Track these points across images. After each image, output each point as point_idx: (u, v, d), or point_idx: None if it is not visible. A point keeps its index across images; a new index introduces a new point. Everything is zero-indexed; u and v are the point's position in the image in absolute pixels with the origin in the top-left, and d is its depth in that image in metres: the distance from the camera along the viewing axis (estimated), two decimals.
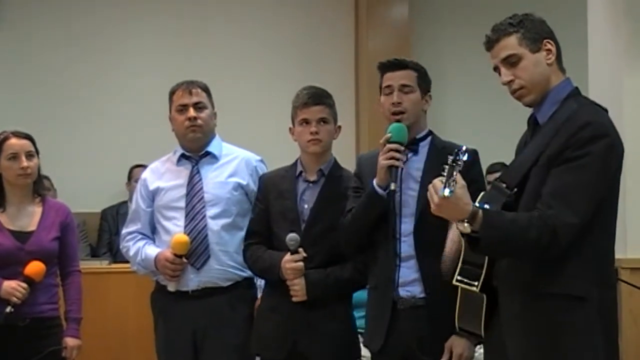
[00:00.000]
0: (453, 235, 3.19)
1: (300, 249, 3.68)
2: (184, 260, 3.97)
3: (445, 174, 2.73)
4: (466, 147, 2.79)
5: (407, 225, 3.50)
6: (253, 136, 6.11)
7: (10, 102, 7.12)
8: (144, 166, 6.58)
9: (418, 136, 3.60)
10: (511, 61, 2.97)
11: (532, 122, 3.05)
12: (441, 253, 3.26)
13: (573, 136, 2.82)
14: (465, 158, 2.74)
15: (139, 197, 4.21)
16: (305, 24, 7.77)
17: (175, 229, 4.03)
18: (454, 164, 2.72)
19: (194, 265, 3.99)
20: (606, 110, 2.98)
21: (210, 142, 4.15)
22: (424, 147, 3.60)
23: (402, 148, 3.45)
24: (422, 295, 3.44)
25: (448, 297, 3.16)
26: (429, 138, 3.63)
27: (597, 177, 2.81)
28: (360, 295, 3.83)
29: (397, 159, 3.42)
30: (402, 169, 3.46)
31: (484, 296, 3.00)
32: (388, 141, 3.45)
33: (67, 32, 7.37)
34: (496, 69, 3.03)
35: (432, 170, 3.38)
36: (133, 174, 7.03)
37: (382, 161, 3.43)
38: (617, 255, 4.47)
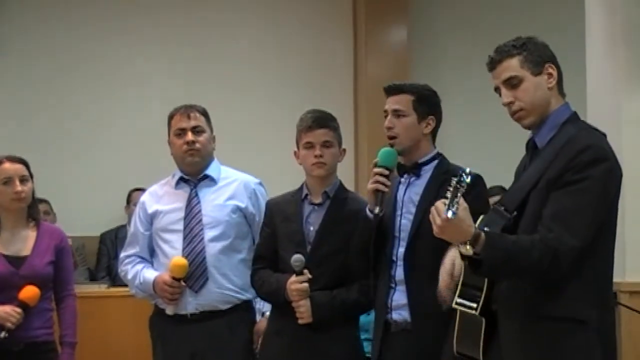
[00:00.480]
0: (449, 266, 3.18)
1: (306, 270, 3.69)
2: (183, 283, 3.97)
3: (448, 195, 2.73)
4: (470, 170, 2.78)
5: (402, 249, 3.52)
6: (252, 160, 6.12)
7: (10, 128, 7.15)
8: (143, 190, 6.62)
9: (421, 160, 3.61)
10: (512, 83, 2.99)
11: (531, 145, 3.07)
12: (430, 278, 3.24)
13: (573, 160, 2.84)
14: (468, 180, 2.74)
15: (138, 220, 4.22)
16: (304, 48, 7.80)
17: (174, 251, 4.04)
18: (458, 186, 2.72)
19: (192, 288, 3.99)
20: (604, 135, 3.00)
21: (209, 166, 4.16)
22: (427, 171, 3.61)
23: (387, 172, 3.48)
24: (410, 320, 3.47)
25: (434, 324, 3.20)
26: (435, 162, 3.63)
27: (597, 200, 2.83)
28: (366, 318, 3.84)
29: (382, 183, 3.45)
30: (384, 194, 3.47)
31: (483, 320, 2.99)
32: (375, 165, 3.49)
33: (65, 58, 7.40)
34: (497, 89, 3.05)
35: (429, 194, 3.43)
36: (132, 198, 7.04)
37: (368, 185, 3.49)
38: (616, 279, 4.48)
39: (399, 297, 3.50)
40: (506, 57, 3.00)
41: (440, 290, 3.19)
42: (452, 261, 3.13)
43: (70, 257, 4.33)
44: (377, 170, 3.47)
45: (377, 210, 3.45)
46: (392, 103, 3.59)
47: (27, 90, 7.31)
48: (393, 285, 3.52)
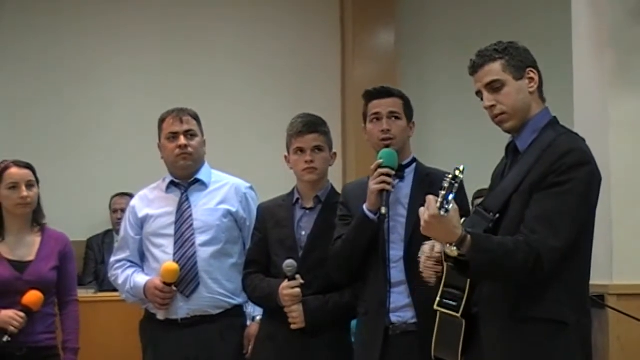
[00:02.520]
0: (427, 250, 3.17)
1: (298, 275, 3.72)
2: (174, 288, 4.00)
3: (442, 192, 2.77)
4: (464, 166, 2.84)
5: (396, 252, 3.57)
6: (243, 164, 6.15)
7: None
8: (125, 194, 6.68)
9: (404, 163, 3.69)
10: (494, 87, 3.05)
11: (512, 149, 3.13)
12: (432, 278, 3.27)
13: (556, 162, 2.90)
14: (462, 177, 2.80)
15: (128, 224, 4.24)
16: (291, 52, 7.82)
17: (164, 256, 4.06)
18: (453, 182, 2.77)
19: (184, 293, 4.02)
20: (584, 140, 3.06)
21: (200, 170, 4.19)
22: (409, 173, 3.70)
23: (393, 173, 3.54)
24: (414, 320, 3.51)
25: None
26: (414, 165, 3.73)
27: (580, 202, 2.89)
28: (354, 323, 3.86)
29: (388, 183, 3.50)
30: (389, 194, 3.53)
31: (464, 321, 3.02)
32: (380, 166, 3.54)
33: (52, 62, 7.41)
34: (478, 93, 3.11)
35: (419, 196, 3.45)
36: (112, 204, 7.07)
37: (374, 185, 3.51)
38: (603, 282, 4.57)
39: (398, 298, 3.55)
40: (488, 61, 3.06)
41: (422, 271, 3.21)
42: (430, 245, 3.14)
43: (74, 263, 4.36)
44: (383, 170, 3.52)
45: (383, 210, 3.48)
46: (387, 106, 3.67)
47: (12, 94, 7.31)
48: (389, 287, 3.56)
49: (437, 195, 2.79)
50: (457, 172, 2.80)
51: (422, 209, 2.84)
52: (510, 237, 2.89)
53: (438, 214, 2.76)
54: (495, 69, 3.05)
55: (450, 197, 2.76)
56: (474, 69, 3.09)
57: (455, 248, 2.84)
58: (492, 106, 3.06)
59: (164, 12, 7.68)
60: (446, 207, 2.75)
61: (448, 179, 2.78)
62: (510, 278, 2.93)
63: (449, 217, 2.78)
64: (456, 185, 2.78)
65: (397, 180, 3.63)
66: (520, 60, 3.06)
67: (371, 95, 3.72)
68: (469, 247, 2.83)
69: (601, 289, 4.56)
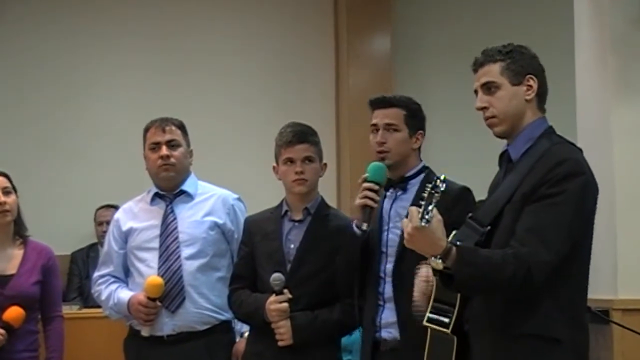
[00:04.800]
0: (419, 281, 3.20)
1: (286, 290, 3.69)
2: (158, 303, 3.97)
3: (422, 202, 2.77)
4: (445, 176, 2.84)
5: (391, 265, 3.55)
6: (230, 175, 6.11)
7: None
8: (110, 206, 6.65)
9: (407, 174, 3.65)
10: (489, 88, 3.05)
11: (506, 158, 3.12)
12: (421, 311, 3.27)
13: (548, 173, 2.88)
14: (443, 187, 2.79)
15: (112, 238, 4.22)
16: (284, 59, 7.81)
17: (149, 270, 4.04)
18: (433, 192, 2.77)
19: (169, 309, 3.99)
20: (580, 150, 3.04)
21: (185, 181, 4.17)
22: (414, 185, 3.65)
23: (377, 188, 3.51)
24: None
25: (423, 341, 3.17)
26: (422, 175, 3.67)
27: (572, 215, 2.87)
28: (349, 339, 3.84)
29: (371, 199, 3.48)
30: (372, 210, 3.50)
31: (455, 338, 3.01)
32: (365, 180, 3.51)
33: (33, 70, 7.38)
34: (476, 92, 3.10)
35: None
36: (97, 216, 7.05)
37: (357, 200, 3.51)
38: (608, 297, 4.57)
39: (388, 314, 3.53)
40: (489, 62, 3.06)
41: (415, 303, 3.21)
42: (426, 278, 3.14)
43: (59, 277, 4.34)
44: (366, 185, 3.50)
45: (364, 226, 3.47)
46: (384, 117, 3.63)
47: None
48: (381, 302, 3.54)
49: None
50: (438, 182, 2.80)
51: (404, 221, 2.84)
52: (499, 250, 2.88)
53: (417, 226, 2.75)
54: (493, 70, 3.05)
55: (431, 207, 2.76)
56: (475, 66, 3.11)
57: (440, 261, 2.83)
58: (484, 108, 3.06)
59: (151, 20, 7.67)
60: (426, 217, 2.75)
61: (428, 189, 2.78)
62: (497, 292, 2.92)
63: (432, 228, 2.78)
64: (437, 195, 2.78)
65: (399, 192, 3.62)
66: (521, 66, 3.04)
67: (372, 105, 3.71)
68: (454, 259, 2.82)
69: (605, 304, 4.56)
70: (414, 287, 3.22)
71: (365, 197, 3.48)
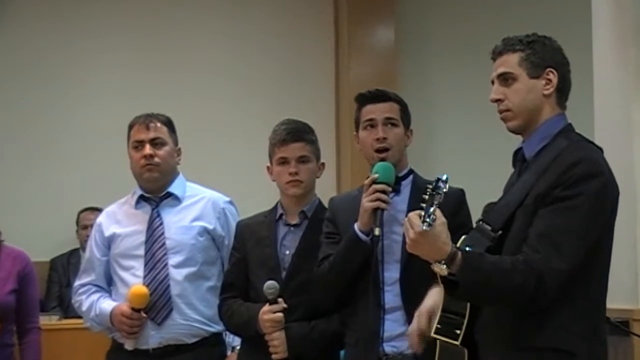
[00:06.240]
0: (429, 307, 3.20)
1: (280, 299, 3.68)
2: (143, 314, 3.96)
3: (424, 205, 2.77)
4: (447, 176, 2.84)
5: (391, 273, 3.53)
6: (222, 176, 6.12)
7: None
8: (95, 209, 6.64)
9: (400, 174, 3.66)
10: (505, 79, 3.05)
11: (520, 157, 3.11)
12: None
13: (564, 174, 2.87)
14: (446, 189, 2.79)
15: (94, 244, 4.21)
16: (279, 52, 7.81)
17: (134, 279, 4.03)
18: (434, 193, 2.77)
19: (155, 320, 3.98)
20: (601, 149, 3.03)
21: (172, 182, 4.16)
22: (406, 186, 3.66)
23: (389, 189, 3.50)
24: (410, 350, 3.45)
25: (432, 354, 3.13)
26: (411, 177, 3.69)
27: (589, 219, 2.86)
28: None
29: (384, 201, 3.46)
30: (383, 213, 3.49)
31: (465, 351, 3.00)
32: (374, 182, 3.49)
33: (14, 71, 7.38)
34: (493, 83, 3.10)
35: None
36: (80, 220, 7.06)
37: (367, 203, 3.47)
38: (628, 306, 4.57)
39: (392, 326, 3.50)
40: (508, 51, 3.06)
41: (411, 333, 3.20)
42: (434, 301, 3.13)
43: (36, 285, 4.35)
44: (379, 187, 3.48)
45: (377, 231, 3.44)
46: (383, 111, 3.63)
47: None
48: (382, 314, 3.51)
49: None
50: (440, 182, 2.81)
51: (405, 225, 2.84)
52: (509, 257, 2.87)
53: (420, 231, 2.75)
54: (511, 61, 3.05)
55: (432, 209, 2.76)
56: (494, 55, 3.11)
57: (444, 266, 2.82)
58: (499, 100, 3.06)
59: (139, 16, 7.66)
60: (428, 220, 2.75)
61: (429, 190, 2.79)
62: (505, 301, 2.91)
63: (436, 232, 2.78)
64: (438, 195, 2.78)
65: (392, 195, 3.58)
66: (541, 58, 3.04)
67: (365, 99, 3.70)
68: (459, 265, 2.81)
69: (625, 314, 4.55)
70: (413, 320, 3.21)
71: (378, 199, 3.46)
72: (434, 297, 3.18)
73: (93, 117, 7.41)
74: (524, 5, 7.73)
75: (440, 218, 2.79)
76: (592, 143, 3.06)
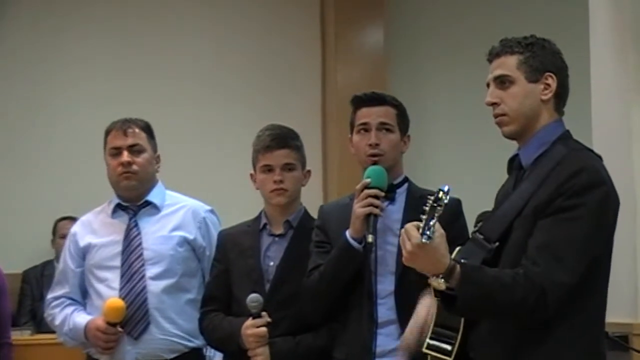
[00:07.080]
0: (422, 317, 3.20)
1: (264, 313, 3.66)
2: (119, 329, 3.94)
3: (423, 217, 2.76)
4: (448, 187, 2.82)
5: (384, 285, 3.53)
6: (203, 184, 6.10)
7: None
8: (72, 219, 6.62)
9: (395, 182, 3.65)
10: (502, 82, 3.04)
11: (516, 165, 3.11)
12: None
13: (565, 184, 2.87)
14: (447, 200, 2.78)
15: (68, 255, 4.19)
16: (263, 53, 7.82)
17: (109, 292, 4.01)
18: (435, 206, 2.76)
19: (131, 335, 3.96)
20: (600, 157, 3.03)
21: (151, 190, 4.15)
22: (401, 194, 3.66)
23: (382, 194, 3.50)
24: None
25: None
26: (406, 185, 3.69)
27: (591, 230, 2.86)
28: None
29: (377, 207, 3.45)
30: (377, 219, 3.48)
31: None
32: (367, 186, 3.48)
33: None
34: (488, 85, 3.10)
35: (412, 221, 3.40)
36: (58, 229, 7.04)
37: (359, 209, 3.47)
38: (628, 320, 4.57)
39: (385, 341, 3.49)
40: (505, 53, 3.06)
41: (406, 339, 3.20)
42: (427, 310, 3.12)
43: (7, 298, 4.33)
44: (371, 191, 3.47)
45: (370, 238, 3.42)
46: (377, 115, 3.63)
47: None
48: (375, 328, 3.50)
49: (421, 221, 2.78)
50: (441, 194, 2.79)
51: (402, 236, 2.83)
52: (509, 270, 2.87)
53: (419, 243, 2.75)
54: (509, 63, 3.05)
55: (432, 222, 2.76)
56: (491, 56, 3.10)
57: (442, 280, 2.81)
58: (495, 104, 3.05)
59: (121, 16, 7.68)
60: (428, 233, 2.74)
61: (429, 202, 2.77)
62: (505, 316, 2.91)
63: (435, 245, 2.77)
64: (439, 208, 2.76)
65: (386, 203, 3.58)
66: (540, 62, 3.04)
67: (360, 102, 3.69)
68: (458, 279, 2.81)
69: (624, 329, 4.56)
70: (411, 319, 3.21)
71: (370, 204, 3.45)
72: (426, 309, 3.17)
73: (71, 123, 7.41)
74: (517, 7, 7.75)
75: (439, 230, 2.79)
76: (591, 150, 3.06)
